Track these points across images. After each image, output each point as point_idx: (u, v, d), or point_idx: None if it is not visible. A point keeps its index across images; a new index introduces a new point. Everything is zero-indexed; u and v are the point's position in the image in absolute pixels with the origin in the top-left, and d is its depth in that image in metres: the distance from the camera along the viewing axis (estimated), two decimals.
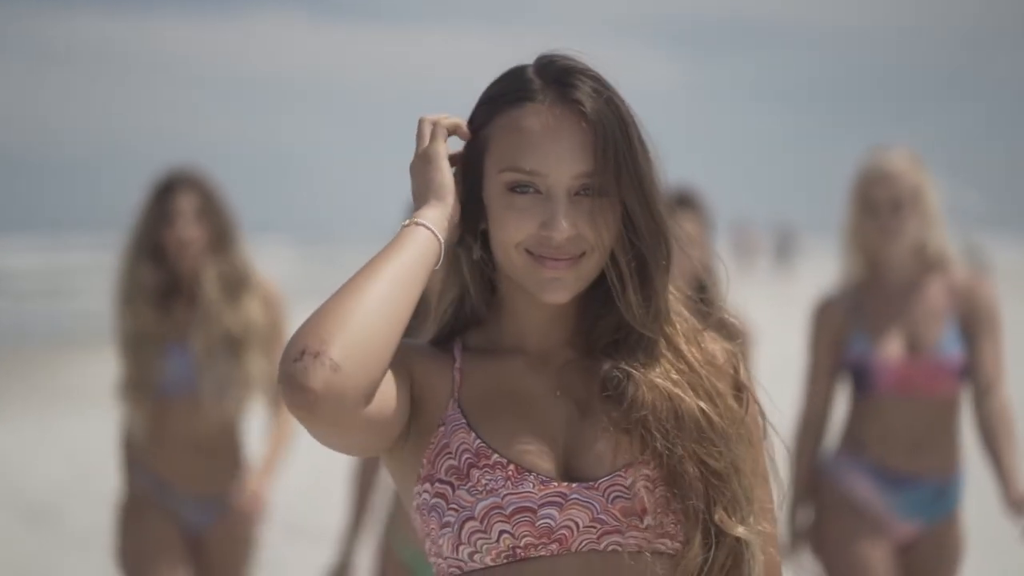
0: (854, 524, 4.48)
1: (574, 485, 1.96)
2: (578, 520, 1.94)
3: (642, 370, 2.01)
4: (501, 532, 1.94)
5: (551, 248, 1.98)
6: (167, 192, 4.94)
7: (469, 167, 2.05)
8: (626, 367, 2.01)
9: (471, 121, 2.06)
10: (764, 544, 2.03)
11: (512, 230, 1.99)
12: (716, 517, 1.97)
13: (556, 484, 1.95)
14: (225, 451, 4.99)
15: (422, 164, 2.04)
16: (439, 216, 2.00)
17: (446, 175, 2.03)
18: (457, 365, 2.06)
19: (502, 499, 1.94)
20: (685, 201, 4.98)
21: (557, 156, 1.98)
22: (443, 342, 2.10)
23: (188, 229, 4.91)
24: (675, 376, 2.02)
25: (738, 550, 1.99)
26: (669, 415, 1.98)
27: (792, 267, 45.03)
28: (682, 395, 2.00)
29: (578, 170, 1.98)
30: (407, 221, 1.99)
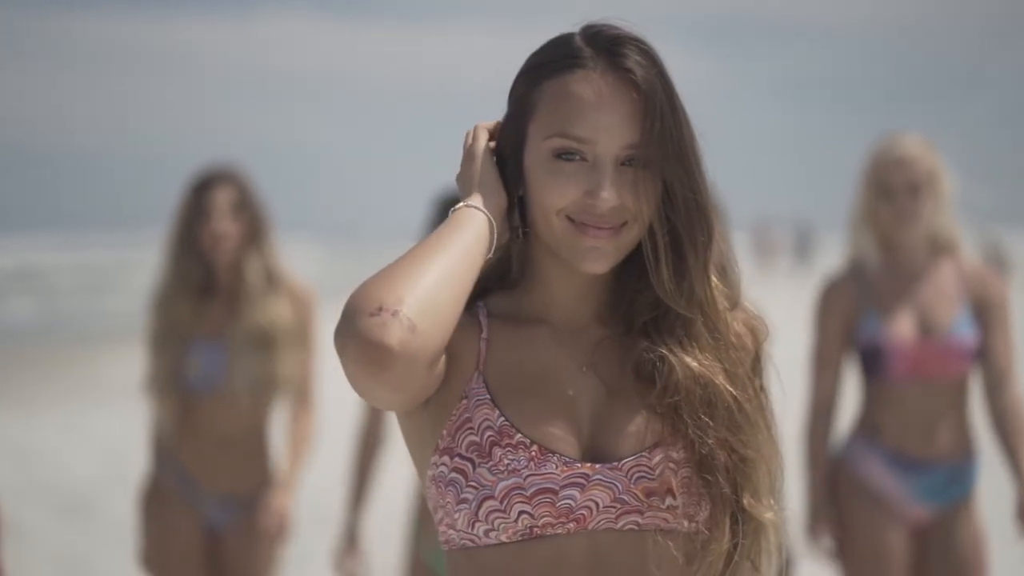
0: (870, 510, 4.54)
1: (597, 466, 1.95)
2: (598, 500, 1.94)
3: (678, 352, 1.99)
4: (520, 512, 1.93)
5: (594, 216, 1.97)
6: (204, 188, 4.99)
7: (511, 133, 2.04)
8: (661, 350, 2.00)
9: (513, 89, 2.05)
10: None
11: (556, 196, 1.97)
12: (744, 502, 1.97)
13: (580, 465, 1.95)
14: (252, 450, 5.00)
15: (467, 161, 2.05)
16: (488, 204, 2.00)
17: (491, 169, 2.04)
18: (484, 335, 2.03)
19: (524, 480, 1.93)
20: None
21: (608, 125, 1.97)
22: (469, 303, 2.04)
23: (224, 223, 4.95)
24: (709, 360, 2.01)
25: (761, 534, 2.00)
26: (702, 402, 1.98)
27: (812, 265, 44.96)
28: (715, 381, 1.99)
29: (627, 140, 1.97)
30: (459, 206, 2.01)
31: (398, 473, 6.61)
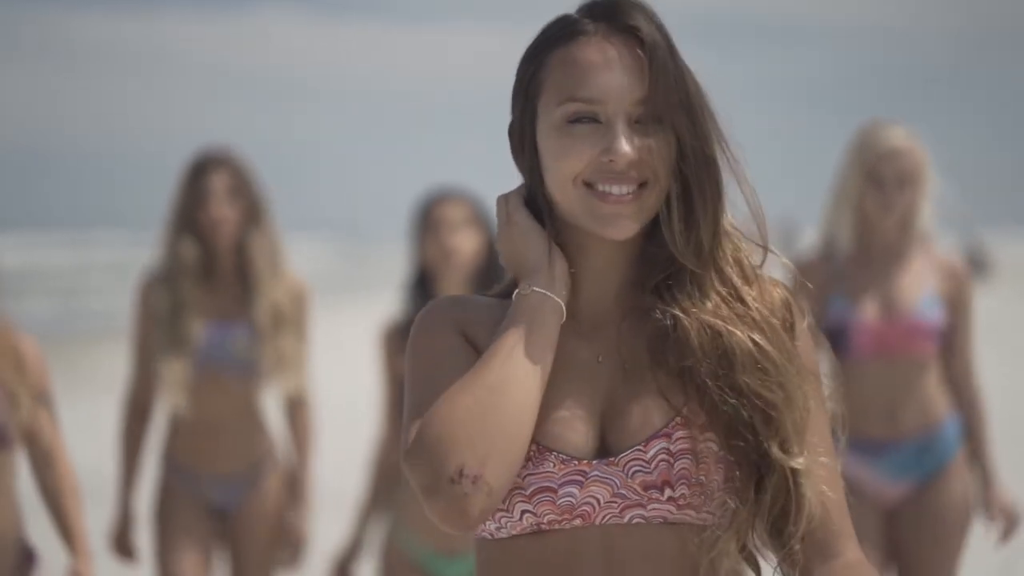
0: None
1: (594, 462, 1.94)
2: (599, 496, 1.94)
3: (692, 310, 1.96)
4: (523, 512, 1.95)
5: (613, 175, 1.94)
6: (199, 173, 5.00)
7: (522, 121, 2.02)
8: (674, 310, 1.96)
9: (518, 78, 2.03)
10: (820, 482, 1.97)
11: (572, 160, 1.95)
12: (772, 452, 1.92)
13: (577, 462, 1.94)
14: (248, 429, 5.02)
15: (515, 235, 2.02)
16: (553, 279, 1.98)
17: (543, 238, 2.00)
18: None
19: (523, 479, 1.94)
20: None
21: (617, 83, 1.95)
22: (503, 295, 2.07)
23: (221, 208, 4.97)
24: (726, 312, 1.96)
25: (789, 487, 1.94)
26: (720, 356, 1.94)
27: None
28: (733, 330, 1.94)
29: (637, 96, 1.95)
30: (526, 290, 1.97)
31: None
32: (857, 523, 4.54)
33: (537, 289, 1.97)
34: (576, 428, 1.96)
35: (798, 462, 1.93)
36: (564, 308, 1.97)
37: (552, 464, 1.94)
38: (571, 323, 1.99)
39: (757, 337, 1.95)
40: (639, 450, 1.94)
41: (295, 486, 5.10)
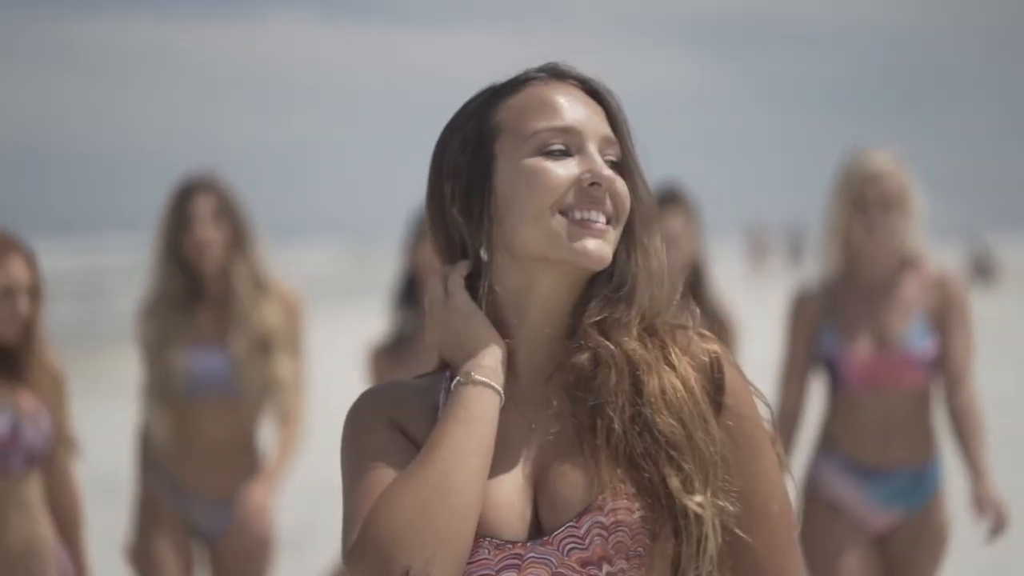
0: (829, 518, 4.62)
1: (529, 544, 1.91)
2: None
3: (619, 341, 1.93)
4: None
5: (593, 200, 1.91)
6: (184, 197, 5.00)
7: (473, 170, 1.96)
8: (601, 341, 1.93)
9: (461, 136, 1.98)
10: (735, 525, 1.93)
11: (551, 189, 1.90)
12: (672, 485, 1.89)
13: (511, 546, 1.90)
14: (243, 455, 5.02)
15: (453, 319, 1.96)
16: (493, 368, 1.93)
17: (484, 322, 1.95)
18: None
19: None
20: (672, 197, 5.05)
21: (586, 117, 1.94)
22: (435, 374, 2.03)
23: (206, 231, 4.96)
24: (648, 347, 1.95)
25: (695, 527, 1.89)
26: (632, 385, 1.92)
27: (803, 265, 45.35)
28: (650, 365, 1.92)
29: (604, 133, 1.95)
30: (464, 380, 1.92)
31: None
32: (841, 545, 4.57)
33: (477, 377, 1.92)
34: (507, 510, 1.92)
35: (695, 501, 1.88)
36: (503, 396, 1.92)
37: (487, 551, 1.91)
38: (508, 391, 1.94)
39: (669, 377, 1.92)
40: (572, 526, 1.90)
41: (264, 471, 5.00)
